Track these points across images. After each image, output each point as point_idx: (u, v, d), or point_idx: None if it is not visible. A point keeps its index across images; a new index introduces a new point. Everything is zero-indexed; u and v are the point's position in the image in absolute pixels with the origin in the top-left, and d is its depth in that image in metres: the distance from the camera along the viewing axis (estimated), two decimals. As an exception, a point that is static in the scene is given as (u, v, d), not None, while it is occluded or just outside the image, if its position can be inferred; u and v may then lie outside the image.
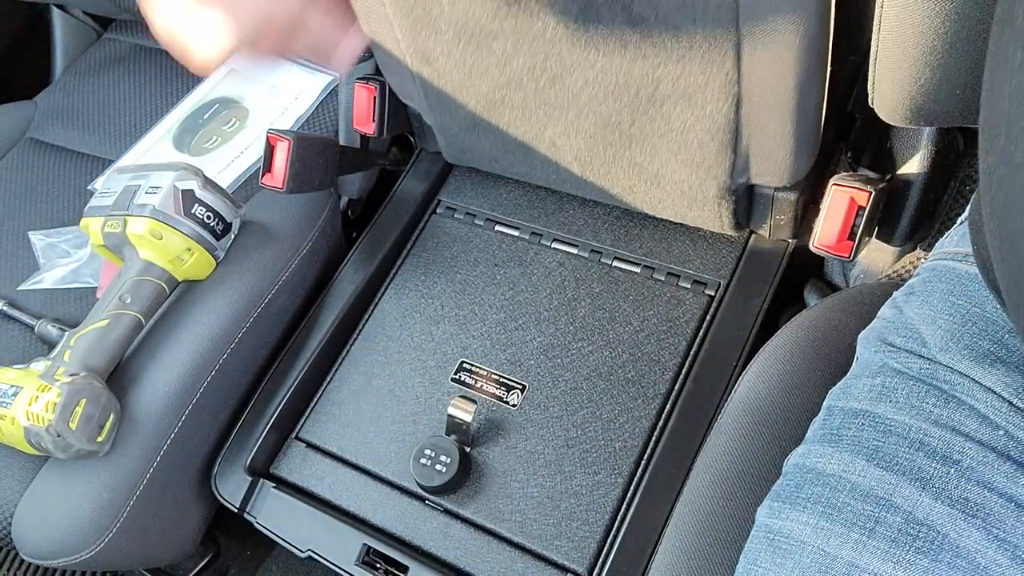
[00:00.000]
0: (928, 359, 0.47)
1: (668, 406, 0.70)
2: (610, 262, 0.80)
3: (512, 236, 0.85)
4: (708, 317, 0.74)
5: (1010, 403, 0.44)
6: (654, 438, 0.69)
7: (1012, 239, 0.36)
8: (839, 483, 0.45)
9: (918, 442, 0.44)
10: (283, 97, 0.99)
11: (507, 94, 0.70)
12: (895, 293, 0.53)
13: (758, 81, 0.59)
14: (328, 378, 0.81)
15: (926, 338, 0.48)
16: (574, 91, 0.67)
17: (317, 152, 0.84)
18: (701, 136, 0.64)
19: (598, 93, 0.66)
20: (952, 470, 0.43)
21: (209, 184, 0.80)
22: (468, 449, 0.70)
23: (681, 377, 0.71)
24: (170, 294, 0.79)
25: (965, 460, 0.43)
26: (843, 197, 0.64)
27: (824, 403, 0.51)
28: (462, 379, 0.76)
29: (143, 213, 0.76)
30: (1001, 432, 0.43)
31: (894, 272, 0.72)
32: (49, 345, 0.82)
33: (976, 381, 0.45)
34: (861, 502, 0.43)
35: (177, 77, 1.07)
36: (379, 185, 0.99)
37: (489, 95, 0.72)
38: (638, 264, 0.79)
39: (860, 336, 0.53)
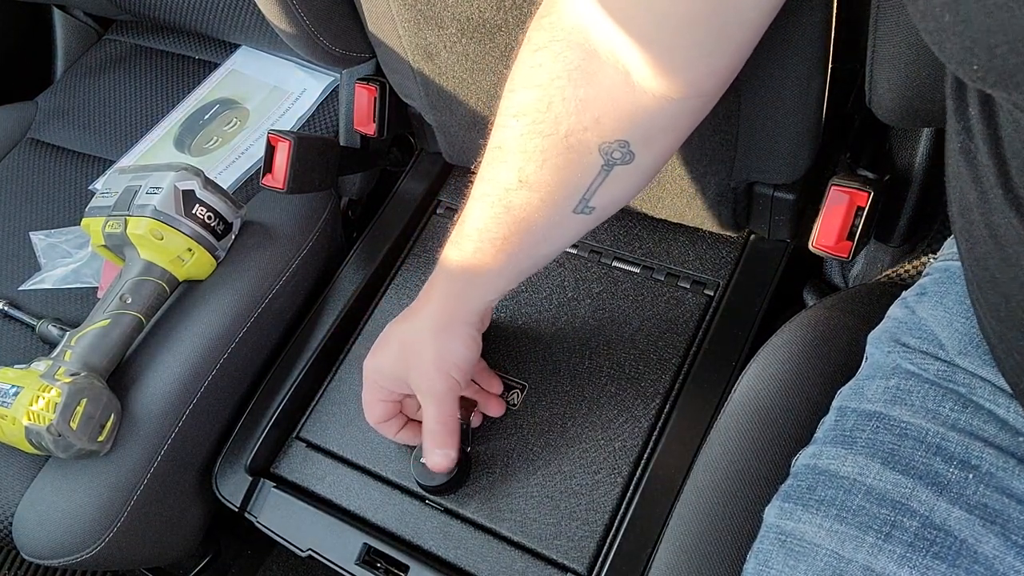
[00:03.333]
0: (946, 362, 0.47)
1: (668, 406, 0.70)
2: (610, 262, 0.80)
3: (512, 236, 0.85)
4: (707, 317, 0.74)
5: None
6: (654, 438, 0.69)
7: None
8: (854, 486, 0.44)
9: (935, 446, 0.44)
10: (284, 98, 0.99)
11: (508, 92, 0.71)
12: (904, 293, 0.53)
13: (759, 76, 0.59)
14: (329, 378, 0.81)
15: (943, 340, 0.47)
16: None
17: (318, 153, 0.84)
18: (702, 132, 0.64)
19: (598, 92, 0.66)
20: (970, 475, 0.42)
21: (210, 184, 0.80)
22: (468, 449, 0.70)
23: (681, 377, 0.71)
24: (171, 294, 0.80)
25: (984, 465, 0.42)
26: (842, 197, 0.64)
27: (833, 403, 0.51)
28: (462, 379, 0.76)
29: (144, 213, 0.76)
30: (1021, 438, 0.43)
31: (893, 272, 0.72)
32: (50, 345, 0.82)
33: (998, 387, 0.44)
34: (877, 505, 0.43)
35: (178, 78, 1.07)
36: (379, 186, 1.00)
37: (490, 91, 0.72)
38: (638, 264, 0.79)
39: (870, 336, 0.53)
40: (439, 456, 0.65)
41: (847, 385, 0.51)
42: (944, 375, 0.46)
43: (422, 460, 0.69)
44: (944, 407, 0.45)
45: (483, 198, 0.56)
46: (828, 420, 0.50)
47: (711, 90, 0.51)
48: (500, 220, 0.56)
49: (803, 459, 0.48)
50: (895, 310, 0.52)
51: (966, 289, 0.48)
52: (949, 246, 0.53)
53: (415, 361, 0.63)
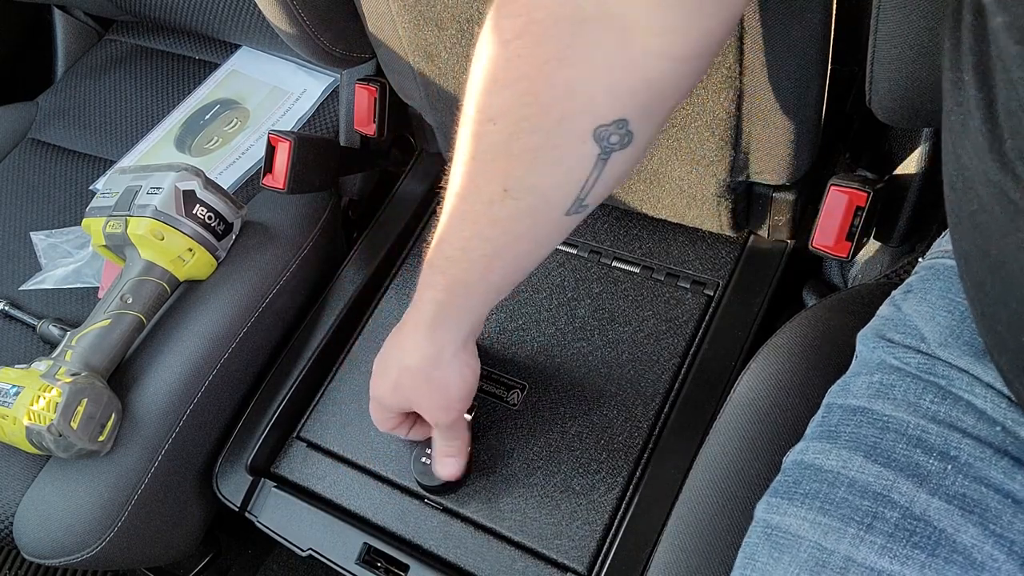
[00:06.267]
0: (927, 354, 0.47)
1: (667, 406, 0.70)
2: (610, 262, 0.80)
3: (512, 236, 0.85)
4: (707, 317, 0.74)
5: (1009, 399, 0.44)
6: (653, 437, 0.69)
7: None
8: (837, 479, 0.45)
9: (916, 438, 0.44)
10: (284, 98, 0.99)
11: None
12: (893, 292, 0.53)
13: (759, 76, 0.59)
14: (329, 378, 0.81)
15: (925, 334, 0.48)
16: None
17: (318, 153, 0.84)
18: (701, 132, 0.64)
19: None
20: (949, 466, 0.43)
21: (210, 185, 0.80)
22: (468, 448, 0.70)
23: (680, 377, 0.72)
24: (171, 294, 0.80)
25: (962, 456, 0.43)
26: (841, 197, 0.64)
27: (823, 401, 0.51)
28: (462, 379, 0.76)
29: (144, 214, 0.77)
30: (999, 428, 0.44)
31: (892, 272, 0.72)
32: (51, 345, 0.82)
33: (975, 377, 0.45)
34: (859, 497, 0.44)
35: (178, 78, 1.07)
36: (380, 186, 1.00)
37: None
38: (637, 264, 0.79)
39: (859, 334, 0.53)
40: (451, 466, 0.67)
41: (837, 382, 0.51)
42: (925, 368, 0.47)
43: (423, 460, 0.69)
44: (924, 399, 0.46)
45: (462, 216, 0.52)
46: (817, 416, 0.50)
47: (712, 49, 0.46)
48: (485, 237, 0.52)
49: (792, 455, 0.49)
50: (883, 308, 0.53)
51: (949, 285, 0.49)
52: (937, 246, 0.54)
53: (415, 397, 0.62)
